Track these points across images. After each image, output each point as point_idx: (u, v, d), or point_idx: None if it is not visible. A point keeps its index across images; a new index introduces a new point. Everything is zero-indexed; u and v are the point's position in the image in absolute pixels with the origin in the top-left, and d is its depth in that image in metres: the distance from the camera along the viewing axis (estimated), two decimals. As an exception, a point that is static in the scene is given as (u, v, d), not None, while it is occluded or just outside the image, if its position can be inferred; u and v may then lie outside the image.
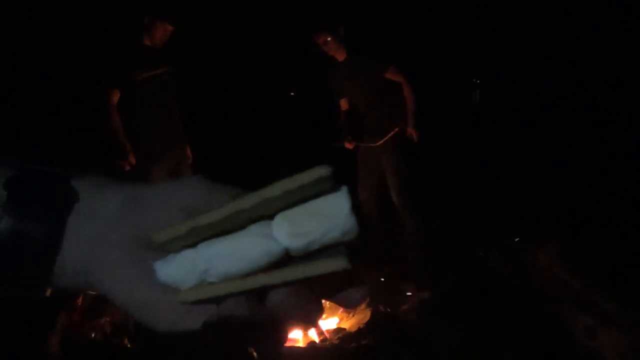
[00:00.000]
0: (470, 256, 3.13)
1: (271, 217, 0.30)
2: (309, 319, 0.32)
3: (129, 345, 2.23)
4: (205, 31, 6.22)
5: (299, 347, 2.34)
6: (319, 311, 0.32)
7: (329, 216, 0.28)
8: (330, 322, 2.64)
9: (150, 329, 0.33)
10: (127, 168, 2.88)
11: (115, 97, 2.86)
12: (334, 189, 0.29)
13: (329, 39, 3.09)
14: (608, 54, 6.37)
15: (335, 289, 0.33)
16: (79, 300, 2.32)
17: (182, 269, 0.30)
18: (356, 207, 0.29)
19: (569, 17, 6.79)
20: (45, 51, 4.04)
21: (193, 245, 0.31)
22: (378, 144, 3.26)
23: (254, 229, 0.30)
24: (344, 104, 3.34)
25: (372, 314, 2.50)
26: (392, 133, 3.21)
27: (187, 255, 0.30)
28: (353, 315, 2.66)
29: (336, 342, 2.31)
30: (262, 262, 0.29)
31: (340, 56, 3.18)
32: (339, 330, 2.50)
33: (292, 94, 9.08)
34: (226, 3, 7.01)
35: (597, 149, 4.94)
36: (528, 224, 3.41)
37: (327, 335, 2.44)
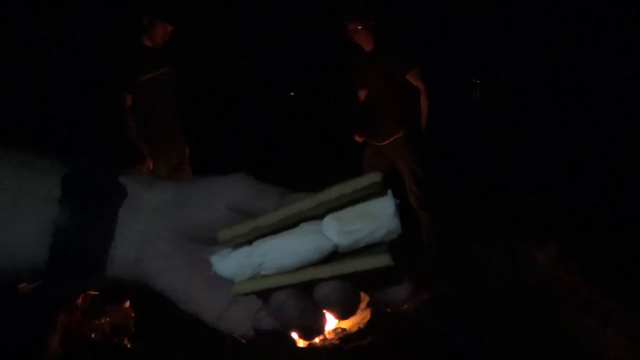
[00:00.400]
0: (470, 256, 3.13)
1: (321, 216, 0.33)
2: (350, 311, 0.34)
3: (129, 345, 2.23)
4: (205, 30, 6.22)
5: (299, 347, 2.33)
6: (358, 304, 0.34)
7: (375, 217, 0.31)
8: (330, 322, 2.64)
9: (198, 319, 0.35)
10: (146, 173, 2.86)
11: (129, 100, 2.86)
12: (380, 192, 0.32)
13: (359, 27, 3.02)
14: (608, 54, 6.38)
15: (377, 284, 0.35)
16: (79, 300, 2.32)
17: (238, 264, 0.33)
18: (399, 210, 0.31)
19: (569, 17, 6.79)
20: (48, 54, 4.04)
21: (249, 242, 0.33)
22: (381, 144, 3.25)
23: (307, 227, 0.32)
24: (362, 95, 3.29)
25: (372, 314, 2.50)
26: (392, 138, 3.19)
27: (244, 250, 0.33)
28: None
29: (336, 342, 2.31)
30: (313, 257, 0.32)
31: (368, 46, 3.11)
32: (339, 330, 2.49)
33: (292, 93, 9.08)
34: (227, 2, 7.01)
35: (597, 150, 4.94)
36: (528, 224, 3.41)
37: (327, 335, 2.44)
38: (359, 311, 2.66)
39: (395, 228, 0.31)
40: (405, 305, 2.65)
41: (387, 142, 3.21)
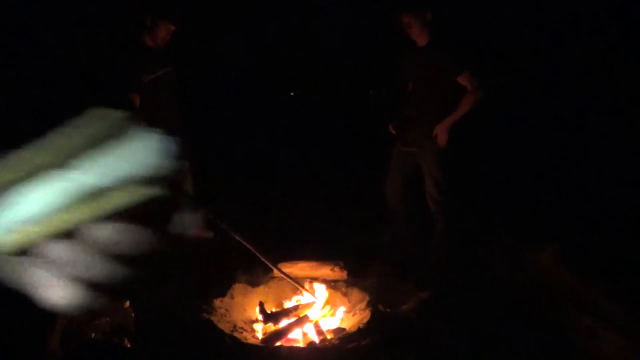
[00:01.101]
0: (470, 256, 3.13)
1: (74, 159, 0.31)
2: (138, 250, 0.32)
3: (129, 345, 2.23)
4: (206, 30, 6.22)
5: (298, 347, 2.33)
6: (150, 243, 0.32)
7: (134, 152, 0.30)
8: (330, 322, 2.64)
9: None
10: None
11: (137, 100, 2.86)
12: (137, 130, 0.31)
13: (413, 22, 2.97)
14: (608, 55, 6.37)
15: (160, 218, 0.33)
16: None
17: None
18: (166, 144, 0.31)
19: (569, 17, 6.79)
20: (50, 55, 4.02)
21: None
22: (404, 148, 3.25)
23: (54, 172, 0.30)
24: (411, 87, 3.27)
25: (372, 314, 2.50)
26: (409, 149, 3.19)
27: None
28: (353, 315, 2.65)
29: (336, 342, 2.31)
30: (68, 201, 0.30)
31: (422, 41, 3.06)
32: (339, 330, 2.49)
33: (292, 93, 9.08)
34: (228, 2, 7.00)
35: (597, 149, 4.94)
36: (528, 224, 3.41)
37: (327, 335, 2.44)
38: (358, 311, 2.66)
39: (160, 161, 0.30)
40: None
41: (407, 149, 3.22)
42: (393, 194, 3.38)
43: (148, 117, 2.93)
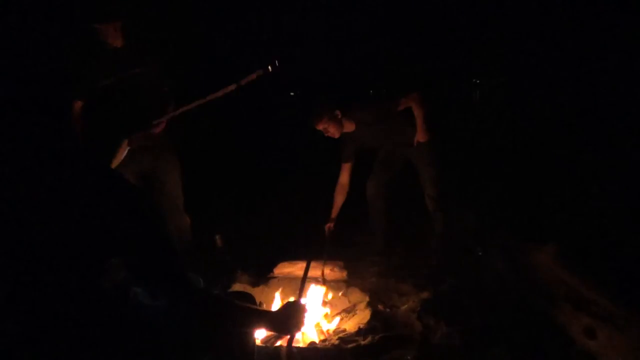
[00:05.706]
0: (470, 256, 3.13)
1: None
2: None
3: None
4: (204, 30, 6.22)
5: (298, 347, 2.33)
6: None
7: None
8: (330, 322, 2.64)
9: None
10: None
11: (78, 107, 2.75)
12: None
13: (327, 125, 2.95)
14: (607, 54, 6.38)
15: None
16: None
17: None
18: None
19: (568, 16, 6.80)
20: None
21: None
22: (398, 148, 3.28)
23: None
24: (346, 169, 3.24)
25: (372, 314, 2.50)
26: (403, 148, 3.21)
27: None
28: (353, 315, 2.65)
29: (336, 342, 2.31)
30: None
31: (349, 128, 3.10)
32: (339, 330, 2.49)
33: (292, 93, 9.08)
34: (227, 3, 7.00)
35: (597, 149, 4.94)
36: (528, 224, 3.41)
37: (327, 335, 2.44)
38: (359, 311, 2.66)
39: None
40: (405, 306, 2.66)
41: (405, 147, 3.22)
42: (377, 194, 3.40)
43: (103, 124, 2.79)
